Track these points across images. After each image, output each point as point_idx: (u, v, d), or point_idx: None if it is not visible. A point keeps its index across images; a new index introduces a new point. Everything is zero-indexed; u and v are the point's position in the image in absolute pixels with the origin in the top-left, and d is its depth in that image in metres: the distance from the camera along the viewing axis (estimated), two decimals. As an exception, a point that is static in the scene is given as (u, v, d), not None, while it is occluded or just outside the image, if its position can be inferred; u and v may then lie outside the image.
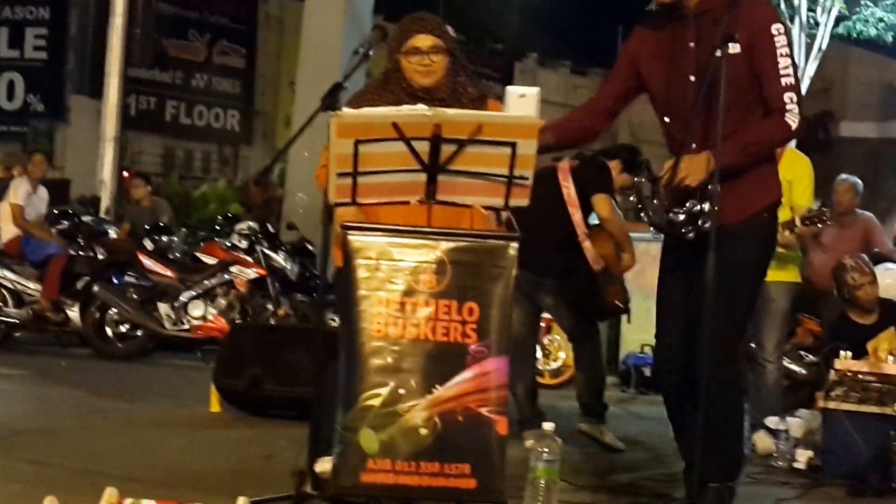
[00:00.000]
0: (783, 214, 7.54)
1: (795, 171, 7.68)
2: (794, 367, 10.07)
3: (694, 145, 5.08)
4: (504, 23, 45.99)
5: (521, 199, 4.88)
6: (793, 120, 4.97)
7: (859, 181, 10.47)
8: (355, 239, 4.71)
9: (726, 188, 4.91)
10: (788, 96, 4.97)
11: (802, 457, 7.27)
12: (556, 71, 49.92)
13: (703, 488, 4.96)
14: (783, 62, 4.97)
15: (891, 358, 7.19)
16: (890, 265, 9.74)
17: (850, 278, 8.19)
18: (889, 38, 20.42)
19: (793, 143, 7.92)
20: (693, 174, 4.92)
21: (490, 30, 46.64)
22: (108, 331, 12.10)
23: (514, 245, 4.74)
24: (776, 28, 5.00)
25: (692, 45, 5.09)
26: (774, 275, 7.66)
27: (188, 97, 35.18)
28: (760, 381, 7.96)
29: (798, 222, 7.42)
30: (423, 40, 5.17)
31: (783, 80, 4.98)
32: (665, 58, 5.19)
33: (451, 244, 4.71)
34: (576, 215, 7.61)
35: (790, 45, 5.04)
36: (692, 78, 5.08)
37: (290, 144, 5.24)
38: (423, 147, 4.73)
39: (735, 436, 5.10)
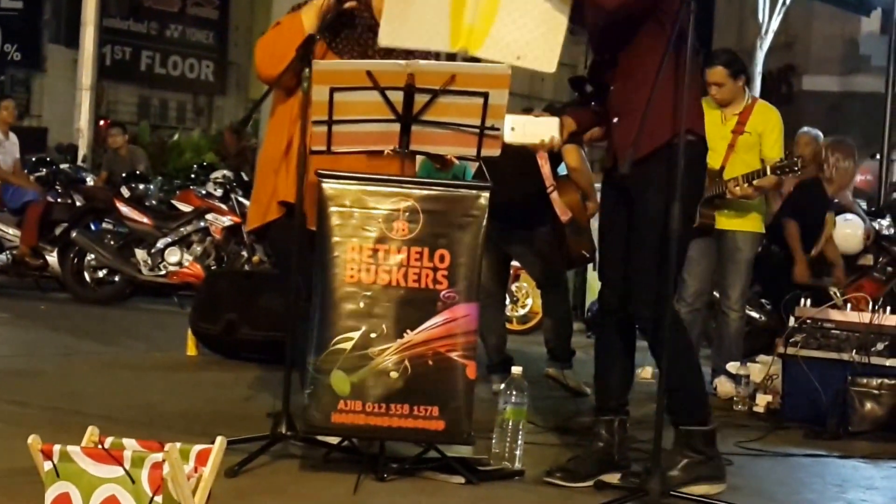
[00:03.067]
0: (752, 166, 7.57)
1: (766, 124, 7.70)
2: (754, 313, 10.14)
3: (613, 87, 5.06)
4: (475, -24, 45.67)
5: (492, 150, 4.91)
6: None
7: (820, 133, 10.51)
8: (329, 186, 4.73)
9: (628, 123, 4.88)
10: None
11: (762, 401, 7.34)
12: (525, 24, 49.89)
13: (676, 432, 5.01)
14: None
15: (848, 305, 7.28)
16: (849, 216, 9.81)
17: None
18: (852, -8, 20.42)
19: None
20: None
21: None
22: (86, 276, 12.09)
23: (485, 194, 4.77)
24: None
25: None
26: (740, 224, 7.71)
27: (163, 47, 34.96)
28: (723, 329, 8.01)
29: (769, 171, 7.45)
30: None
31: None
32: None
33: (424, 192, 4.74)
34: (544, 167, 7.63)
35: None
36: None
37: (267, 95, 5.23)
38: (396, 97, 4.74)
39: (689, 377, 5.06)
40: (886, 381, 6.77)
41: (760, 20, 21.05)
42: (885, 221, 10.56)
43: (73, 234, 12.04)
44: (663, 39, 4.79)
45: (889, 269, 9.26)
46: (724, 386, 7.65)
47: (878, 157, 19.02)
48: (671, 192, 4.69)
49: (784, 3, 20.26)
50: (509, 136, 4.90)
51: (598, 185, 7.99)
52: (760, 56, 21.08)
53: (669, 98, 4.76)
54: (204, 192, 12.53)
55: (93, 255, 12.00)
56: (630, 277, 4.97)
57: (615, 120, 5.05)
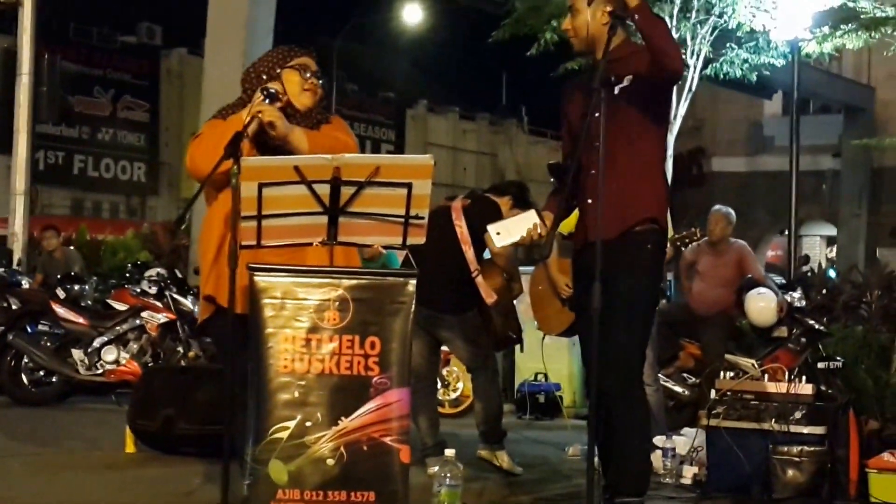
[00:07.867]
0: None
1: None
2: (677, 388, 10.18)
3: (594, 171, 5.11)
4: (395, 72, 46.26)
5: (417, 238, 4.91)
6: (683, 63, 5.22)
7: (732, 211, 10.64)
8: (261, 279, 4.69)
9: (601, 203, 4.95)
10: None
11: (688, 472, 7.34)
12: (445, 117, 50.26)
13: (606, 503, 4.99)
14: None
15: (765, 376, 7.31)
16: (762, 289, 9.89)
17: None
18: (753, 77, 20.81)
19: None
20: None
21: (382, 79, 46.88)
22: (24, 378, 11.86)
23: (413, 281, 4.76)
24: None
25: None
26: None
27: (95, 151, 34.92)
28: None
29: (668, 244, 7.47)
30: (312, 63, 5.25)
31: None
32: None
33: (353, 282, 4.72)
34: (468, 252, 7.63)
35: None
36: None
37: (199, 194, 5.19)
38: (323, 190, 4.74)
39: (638, 452, 5.08)
40: (806, 448, 6.80)
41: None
42: (797, 294, 10.66)
43: (10, 338, 11.84)
44: (649, 126, 4.98)
45: (803, 339, 9.32)
46: (658, 461, 7.59)
47: (786, 233, 19.28)
48: (636, 273, 4.96)
49: (690, 89, 20.57)
50: (499, 242, 5.05)
51: (522, 268, 8.08)
52: (671, 140, 21.37)
53: (645, 183, 4.98)
54: (138, 290, 12.38)
55: (29, 358, 11.81)
56: (603, 353, 4.96)
57: (589, 201, 5.14)
